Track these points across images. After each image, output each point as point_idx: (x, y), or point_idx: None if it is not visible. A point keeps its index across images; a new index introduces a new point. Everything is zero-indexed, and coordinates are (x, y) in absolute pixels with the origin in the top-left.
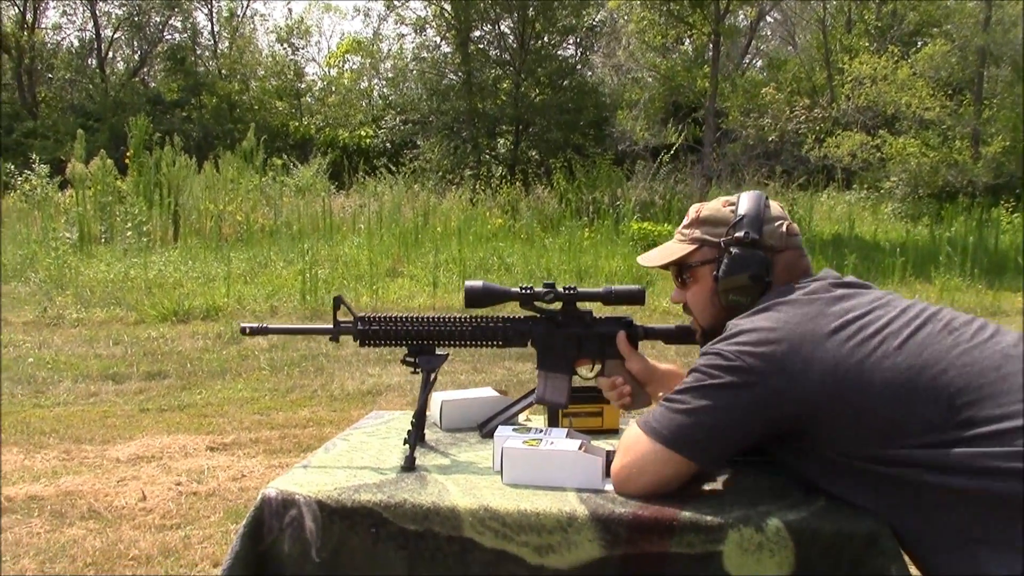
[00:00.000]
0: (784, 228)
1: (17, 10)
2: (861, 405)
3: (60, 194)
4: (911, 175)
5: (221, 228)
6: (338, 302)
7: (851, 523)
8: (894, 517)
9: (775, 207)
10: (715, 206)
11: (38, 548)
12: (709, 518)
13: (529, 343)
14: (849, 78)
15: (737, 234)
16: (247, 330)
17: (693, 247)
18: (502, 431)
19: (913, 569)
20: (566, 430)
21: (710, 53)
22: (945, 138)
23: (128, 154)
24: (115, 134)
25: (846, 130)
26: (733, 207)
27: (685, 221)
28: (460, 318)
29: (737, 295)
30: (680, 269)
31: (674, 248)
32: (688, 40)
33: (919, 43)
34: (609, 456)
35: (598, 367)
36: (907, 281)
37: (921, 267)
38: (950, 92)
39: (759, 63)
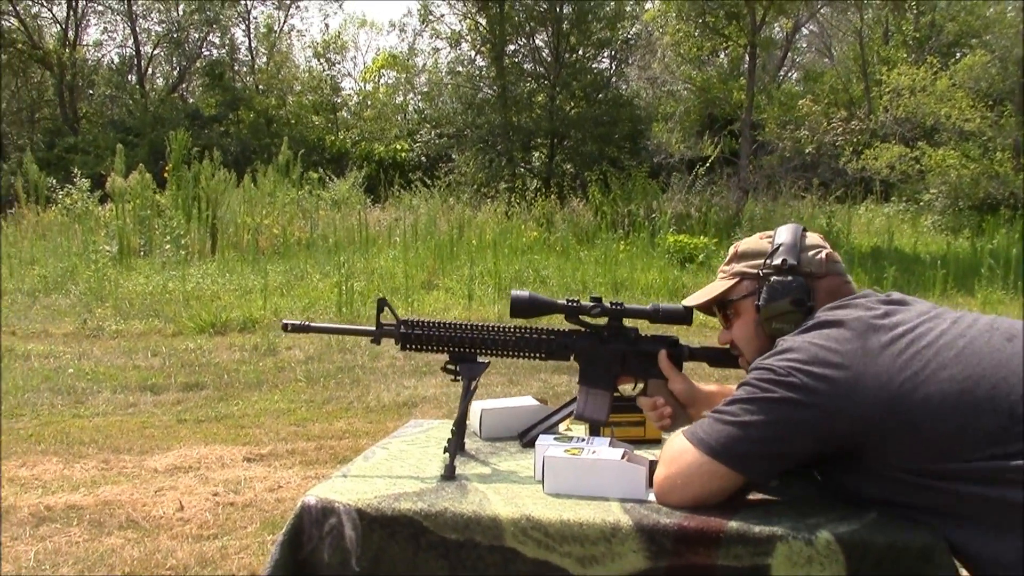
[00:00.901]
0: (823, 255)
1: (59, 28)
2: (917, 420)
3: (100, 208)
4: (951, 187)
5: (258, 241)
6: (382, 304)
7: (905, 536)
8: (952, 532)
9: (813, 236)
10: (753, 240)
11: (77, 557)
12: (757, 530)
13: (572, 357)
14: (887, 89)
15: (775, 262)
16: (288, 327)
17: (733, 281)
18: (543, 440)
19: None
20: (608, 439)
21: (746, 65)
22: (986, 149)
23: (167, 168)
24: (154, 149)
25: (884, 142)
26: (770, 239)
27: (726, 259)
28: (504, 327)
29: (780, 322)
30: (723, 306)
31: (715, 286)
32: (724, 52)
33: (958, 54)
34: (652, 466)
35: (640, 386)
36: (948, 294)
37: (962, 280)
38: (991, 103)
39: (795, 75)
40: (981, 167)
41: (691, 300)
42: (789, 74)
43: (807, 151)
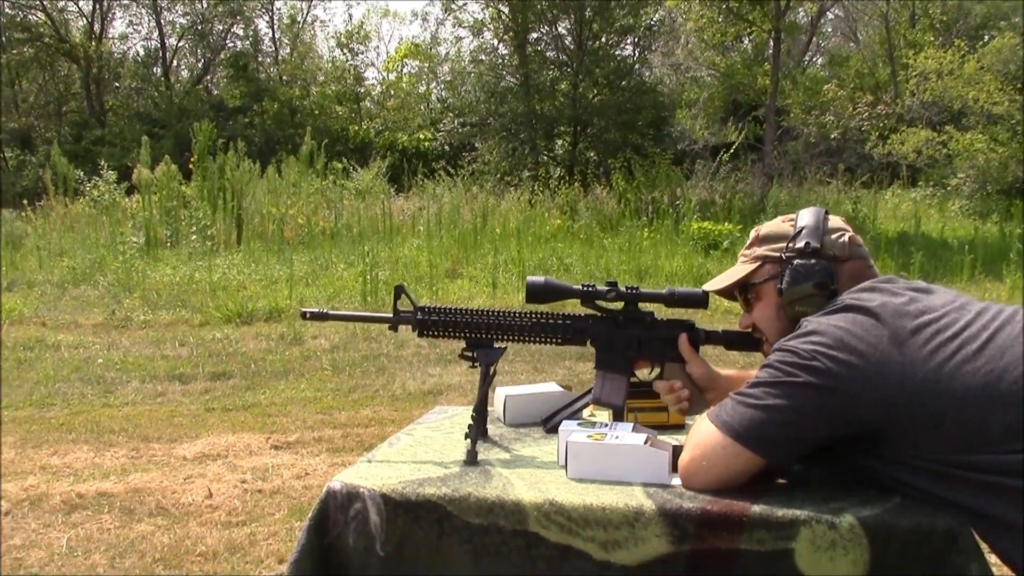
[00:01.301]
0: (846, 238)
1: (85, 21)
2: (940, 412)
3: (127, 199)
4: (979, 171)
5: (283, 231)
6: (399, 291)
7: (929, 520)
8: (977, 521)
9: (836, 219)
10: (775, 223)
11: (108, 544)
12: (780, 514)
13: (588, 342)
14: (914, 73)
15: (798, 245)
16: (307, 315)
17: (755, 265)
18: (566, 425)
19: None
20: (632, 424)
21: (770, 50)
22: (1014, 133)
23: (192, 160)
24: (180, 140)
25: (911, 126)
26: (793, 222)
27: (746, 243)
28: (520, 313)
29: (803, 306)
30: (745, 290)
31: (737, 270)
32: (748, 38)
33: (986, 36)
34: (675, 451)
35: (657, 370)
36: (976, 279)
37: (991, 265)
38: (1019, 86)
39: (820, 60)
40: (1009, 151)
41: (712, 284)
42: (814, 59)
43: (832, 136)
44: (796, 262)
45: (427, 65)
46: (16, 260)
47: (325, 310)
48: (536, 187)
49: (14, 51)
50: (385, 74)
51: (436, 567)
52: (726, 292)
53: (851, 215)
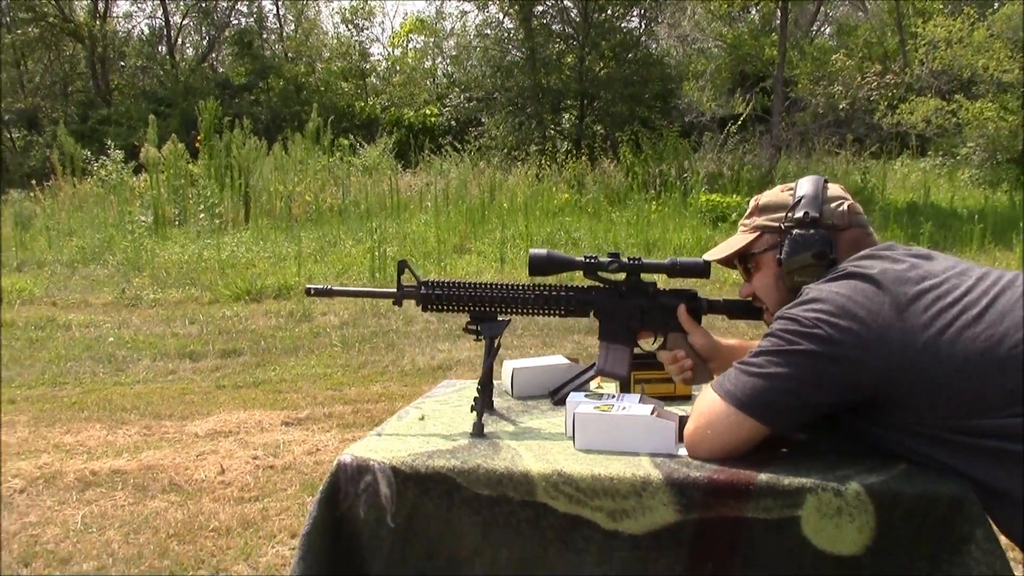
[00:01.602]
0: (845, 207)
1: (89, 1)
2: (940, 378)
3: (135, 179)
4: (989, 140)
5: (291, 208)
6: (402, 266)
7: (934, 486)
8: (978, 490)
9: (835, 188)
10: (774, 193)
11: (122, 520)
12: (787, 482)
13: (592, 313)
14: (923, 42)
15: (796, 215)
16: (311, 291)
17: (755, 235)
18: (574, 397)
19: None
20: (639, 395)
21: (777, 20)
22: None
23: (199, 138)
24: (186, 119)
25: (920, 95)
26: (792, 192)
27: (746, 213)
28: (523, 285)
29: (802, 275)
30: (744, 259)
31: (736, 239)
32: (755, 8)
33: (996, 3)
34: (682, 421)
35: (660, 340)
36: (986, 248)
37: (1001, 234)
38: None
39: (828, 30)
40: (1020, 119)
41: (712, 254)
42: (822, 29)
43: (841, 107)
44: (795, 232)
45: (432, 40)
46: (26, 240)
47: (329, 286)
48: (543, 161)
49: (19, 31)
50: (390, 49)
51: (446, 538)
52: (726, 262)
53: (860, 186)
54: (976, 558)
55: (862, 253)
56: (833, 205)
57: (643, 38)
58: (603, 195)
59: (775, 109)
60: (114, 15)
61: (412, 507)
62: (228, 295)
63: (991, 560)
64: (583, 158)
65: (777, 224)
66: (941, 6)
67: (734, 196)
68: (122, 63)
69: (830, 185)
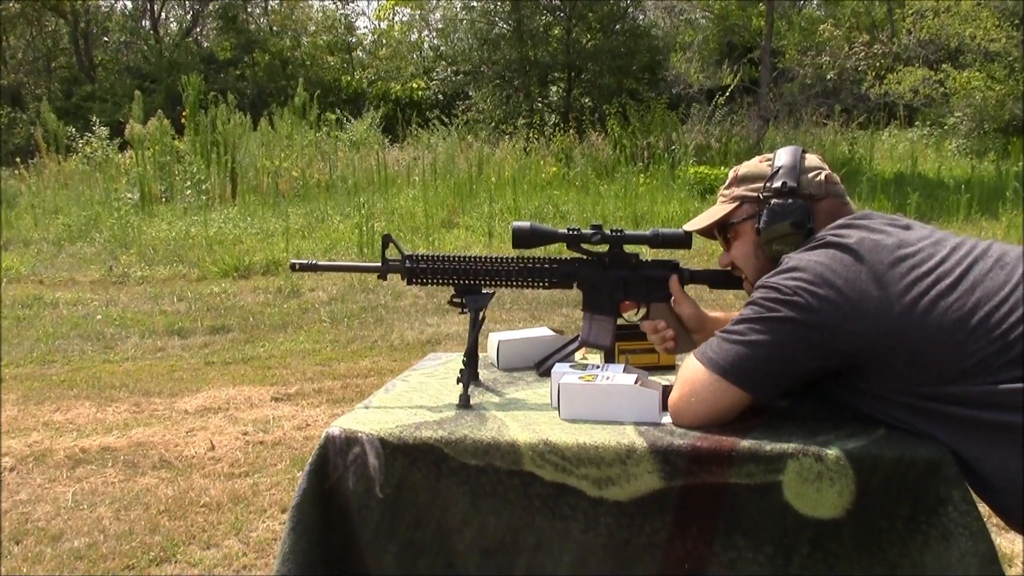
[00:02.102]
0: (822, 177)
1: None
2: (915, 345)
3: (120, 155)
4: (976, 110)
5: (278, 184)
6: (387, 240)
7: (912, 450)
8: (952, 452)
9: (812, 158)
10: (752, 163)
11: (113, 496)
12: (768, 448)
13: (575, 285)
14: (910, 11)
15: (774, 185)
16: (296, 266)
17: (733, 205)
18: (559, 368)
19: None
20: (622, 365)
21: None
22: (1012, 70)
23: (184, 114)
24: (171, 94)
25: (907, 65)
26: (770, 162)
27: (725, 183)
28: (507, 258)
29: (780, 244)
30: (724, 229)
31: (715, 210)
32: None
33: None
34: (665, 391)
35: (643, 310)
36: (972, 218)
37: (987, 204)
38: (1017, 22)
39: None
40: (1007, 88)
41: (691, 224)
42: None
43: (828, 77)
44: (773, 202)
45: (419, 13)
46: (11, 218)
47: (314, 260)
48: (531, 135)
49: (0, 6)
50: (377, 23)
51: (434, 507)
52: (706, 232)
53: (847, 156)
54: (953, 519)
55: (840, 222)
56: (811, 175)
57: (630, 9)
58: (591, 168)
59: (763, 80)
60: None
61: (400, 478)
62: (216, 272)
63: (968, 520)
64: (571, 131)
65: (755, 194)
66: None
67: (722, 168)
68: (105, 38)
69: (807, 155)
